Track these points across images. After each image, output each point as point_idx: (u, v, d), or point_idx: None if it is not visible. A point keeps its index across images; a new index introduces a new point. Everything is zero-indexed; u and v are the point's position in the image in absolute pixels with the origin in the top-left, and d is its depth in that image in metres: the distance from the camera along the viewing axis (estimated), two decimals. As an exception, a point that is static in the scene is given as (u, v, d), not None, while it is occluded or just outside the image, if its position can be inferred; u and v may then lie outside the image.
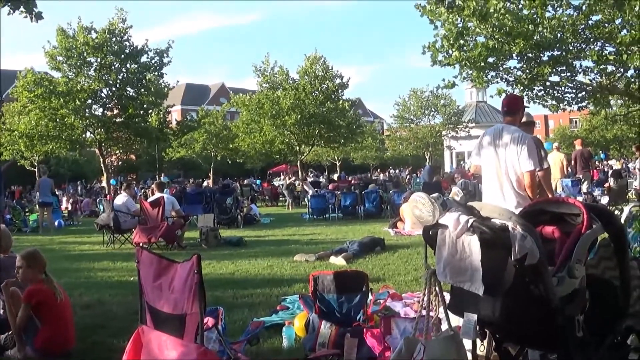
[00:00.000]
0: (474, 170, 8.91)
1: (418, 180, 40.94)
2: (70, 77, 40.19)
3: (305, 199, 35.06)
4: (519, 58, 21.48)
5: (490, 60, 21.06)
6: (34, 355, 7.65)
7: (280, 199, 41.55)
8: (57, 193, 34.16)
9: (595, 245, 5.58)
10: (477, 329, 5.15)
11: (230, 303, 10.08)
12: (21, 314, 7.61)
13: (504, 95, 21.24)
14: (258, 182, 56.90)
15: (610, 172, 30.61)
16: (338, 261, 14.52)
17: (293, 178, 44.00)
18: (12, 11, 10.50)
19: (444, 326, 5.62)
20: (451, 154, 77.15)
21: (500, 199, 7.80)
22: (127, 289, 11.91)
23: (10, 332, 7.93)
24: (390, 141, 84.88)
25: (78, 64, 39.96)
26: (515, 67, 22.16)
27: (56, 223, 28.27)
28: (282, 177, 48.56)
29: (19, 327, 7.63)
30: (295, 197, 41.29)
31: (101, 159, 44.71)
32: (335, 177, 62.94)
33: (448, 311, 5.55)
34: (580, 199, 21.92)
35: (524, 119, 8.86)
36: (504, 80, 22.37)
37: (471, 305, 5.11)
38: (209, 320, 7.08)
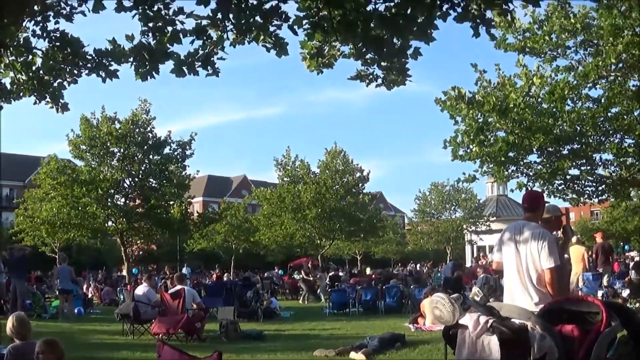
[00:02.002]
0: (495, 267, 8.85)
1: (439, 274, 40.80)
2: (93, 166, 40.66)
3: (321, 294, 35.11)
4: (539, 152, 21.62)
5: (511, 154, 21.20)
6: None
7: (300, 292, 41.41)
8: (76, 280, 34.12)
9: (615, 343, 5.58)
10: None
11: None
12: None
13: (524, 189, 21.36)
14: (281, 272, 56.91)
15: (631, 264, 30.40)
16: (358, 357, 14.47)
17: (308, 272, 43.63)
18: (38, 101, 10.68)
19: None
20: (472, 248, 76.87)
21: (521, 296, 7.74)
22: (146, 381, 11.91)
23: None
24: (412, 235, 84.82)
25: (101, 153, 40.47)
26: (535, 162, 22.31)
27: (76, 310, 28.24)
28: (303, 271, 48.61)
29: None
30: (314, 291, 41.22)
31: (122, 248, 44.77)
32: (368, 269, 62.47)
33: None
34: (601, 292, 21.79)
35: (546, 215, 8.84)
36: (524, 174, 22.48)
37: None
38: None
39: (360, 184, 53.84)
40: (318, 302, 35.97)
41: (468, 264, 64.35)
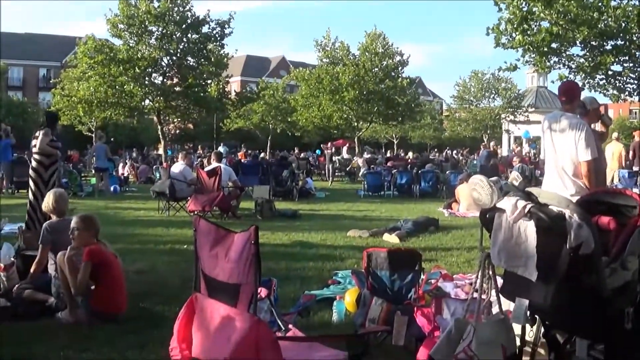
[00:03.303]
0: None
1: (475, 162, 40.71)
2: (131, 45, 40.38)
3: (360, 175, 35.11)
4: (582, 45, 21.36)
5: (554, 45, 20.98)
6: (85, 318, 7.79)
7: (337, 174, 41.43)
8: (113, 158, 34.35)
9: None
10: (528, 314, 5.18)
11: (283, 275, 10.15)
12: (83, 272, 7.72)
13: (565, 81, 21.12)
14: (318, 151, 56.96)
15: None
16: (392, 239, 14.57)
17: (334, 150, 43.05)
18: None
19: (495, 310, 5.64)
20: (509, 137, 76.25)
21: (558, 186, 7.69)
22: (180, 256, 12.04)
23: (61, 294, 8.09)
24: (449, 122, 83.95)
25: (139, 32, 40.10)
26: (577, 55, 22.05)
27: (112, 188, 28.51)
28: (335, 149, 48.40)
29: (80, 286, 7.76)
30: (350, 173, 41.36)
31: (159, 127, 44.88)
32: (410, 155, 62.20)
33: (500, 295, 5.57)
34: (636, 190, 21.73)
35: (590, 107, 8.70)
36: (566, 66, 22.27)
37: (523, 291, 5.13)
38: (262, 291, 7.16)
39: (399, 68, 53.22)
40: (353, 184, 36.22)
41: (505, 153, 64.08)
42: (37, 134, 12.62)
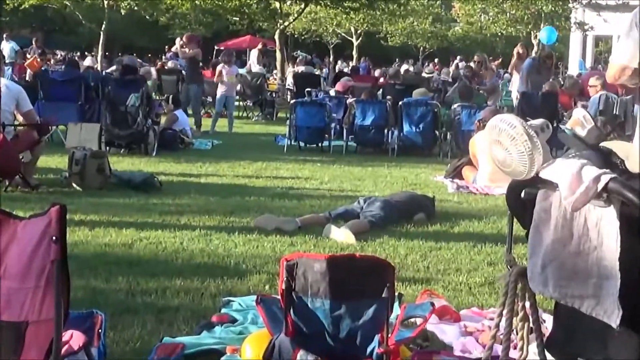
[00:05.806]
0: (618, 75, 8.37)
1: (508, 86, 40.77)
2: None
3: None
4: None
5: None
6: None
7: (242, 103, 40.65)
8: None
9: None
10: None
11: (122, 303, 10.10)
12: None
13: None
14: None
15: None
16: (340, 235, 14.36)
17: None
18: None
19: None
20: (584, 37, 76.21)
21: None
22: None
23: None
24: (464, 4, 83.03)
25: None
26: None
27: None
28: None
29: None
30: (266, 102, 41.01)
31: None
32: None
33: (546, 352, 5.58)
34: None
35: None
36: None
37: (592, 345, 5.12)
38: (76, 337, 7.12)
39: None
40: (268, 124, 36.16)
41: (574, 69, 63.96)
42: None
